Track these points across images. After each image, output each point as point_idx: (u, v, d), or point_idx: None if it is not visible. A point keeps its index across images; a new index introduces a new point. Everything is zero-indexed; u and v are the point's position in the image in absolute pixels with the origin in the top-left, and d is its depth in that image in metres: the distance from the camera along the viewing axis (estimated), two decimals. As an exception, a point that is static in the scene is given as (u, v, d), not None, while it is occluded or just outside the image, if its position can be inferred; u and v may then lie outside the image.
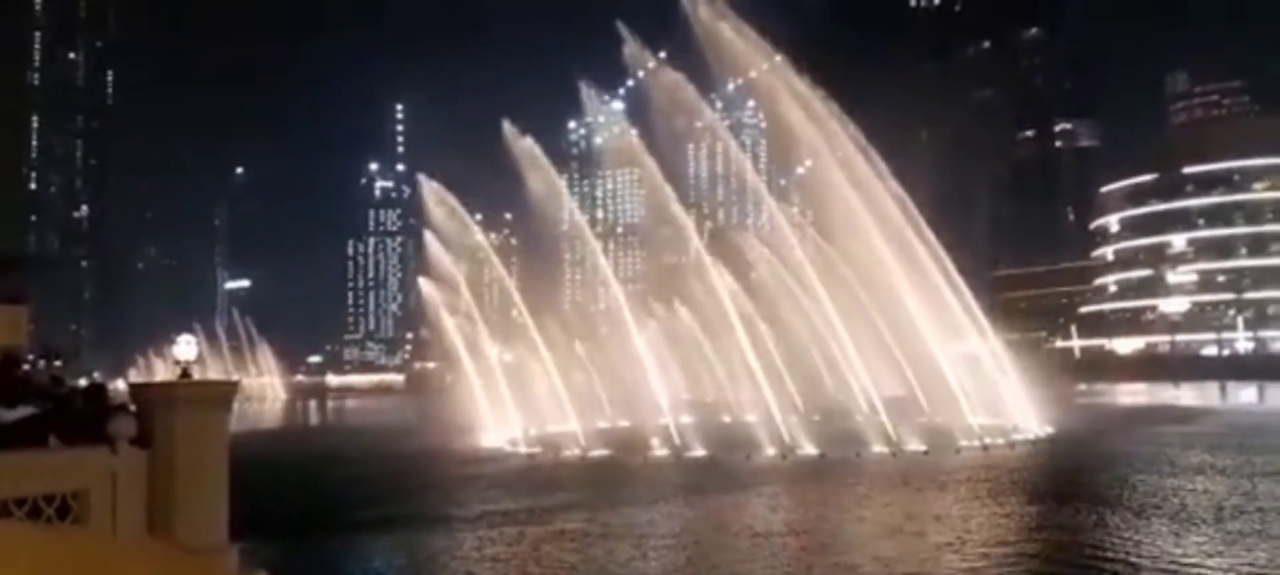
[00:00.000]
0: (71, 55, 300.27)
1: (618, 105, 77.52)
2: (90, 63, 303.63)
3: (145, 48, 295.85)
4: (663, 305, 65.56)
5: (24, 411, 9.47)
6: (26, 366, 12.90)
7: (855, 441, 45.67)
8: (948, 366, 53.86)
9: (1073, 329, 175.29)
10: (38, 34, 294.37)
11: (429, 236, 72.17)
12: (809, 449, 45.28)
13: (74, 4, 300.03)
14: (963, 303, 57.37)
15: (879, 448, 45.25)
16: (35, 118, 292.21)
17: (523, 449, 49.66)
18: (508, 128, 64.99)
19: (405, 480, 40.98)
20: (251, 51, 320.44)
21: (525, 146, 65.44)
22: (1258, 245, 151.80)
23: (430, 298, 71.07)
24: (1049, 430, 52.07)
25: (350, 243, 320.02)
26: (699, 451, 46.22)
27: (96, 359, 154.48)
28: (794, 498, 33.17)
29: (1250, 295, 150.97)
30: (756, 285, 62.76)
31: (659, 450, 46.81)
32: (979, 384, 54.16)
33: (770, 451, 45.27)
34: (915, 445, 45.42)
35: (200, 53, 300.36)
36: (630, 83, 73.20)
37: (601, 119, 74.46)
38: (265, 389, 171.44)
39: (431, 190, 72.30)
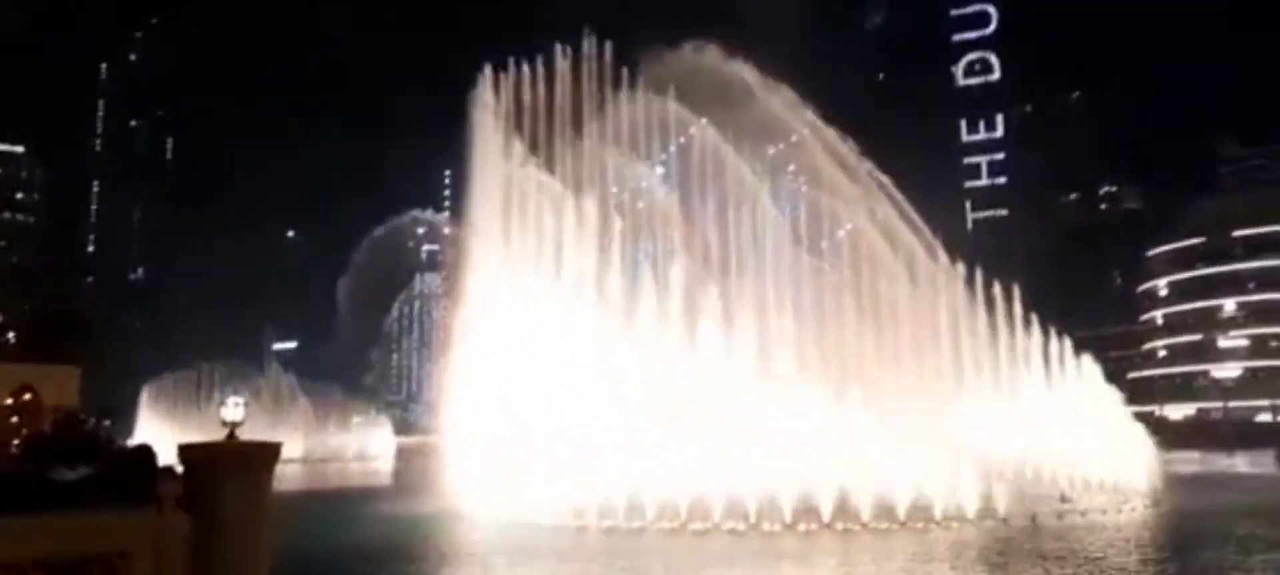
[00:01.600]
0: (133, 122, 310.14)
1: (659, 170, 77.93)
2: (152, 130, 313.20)
3: (206, 117, 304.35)
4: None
5: (82, 471, 9.72)
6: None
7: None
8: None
9: (1122, 395, 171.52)
10: (102, 101, 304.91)
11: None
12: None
13: (139, 73, 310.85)
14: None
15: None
16: (96, 183, 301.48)
17: (583, 517, 45.47)
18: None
19: (460, 545, 40.49)
20: (310, 120, 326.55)
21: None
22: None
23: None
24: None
25: (396, 305, 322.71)
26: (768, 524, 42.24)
27: (145, 418, 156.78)
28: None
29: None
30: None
31: (729, 521, 42.96)
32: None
33: (839, 526, 41.83)
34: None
35: (259, 123, 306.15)
36: (672, 147, 73.67)
37: (644, 184, 74.69)
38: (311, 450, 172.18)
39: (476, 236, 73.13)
